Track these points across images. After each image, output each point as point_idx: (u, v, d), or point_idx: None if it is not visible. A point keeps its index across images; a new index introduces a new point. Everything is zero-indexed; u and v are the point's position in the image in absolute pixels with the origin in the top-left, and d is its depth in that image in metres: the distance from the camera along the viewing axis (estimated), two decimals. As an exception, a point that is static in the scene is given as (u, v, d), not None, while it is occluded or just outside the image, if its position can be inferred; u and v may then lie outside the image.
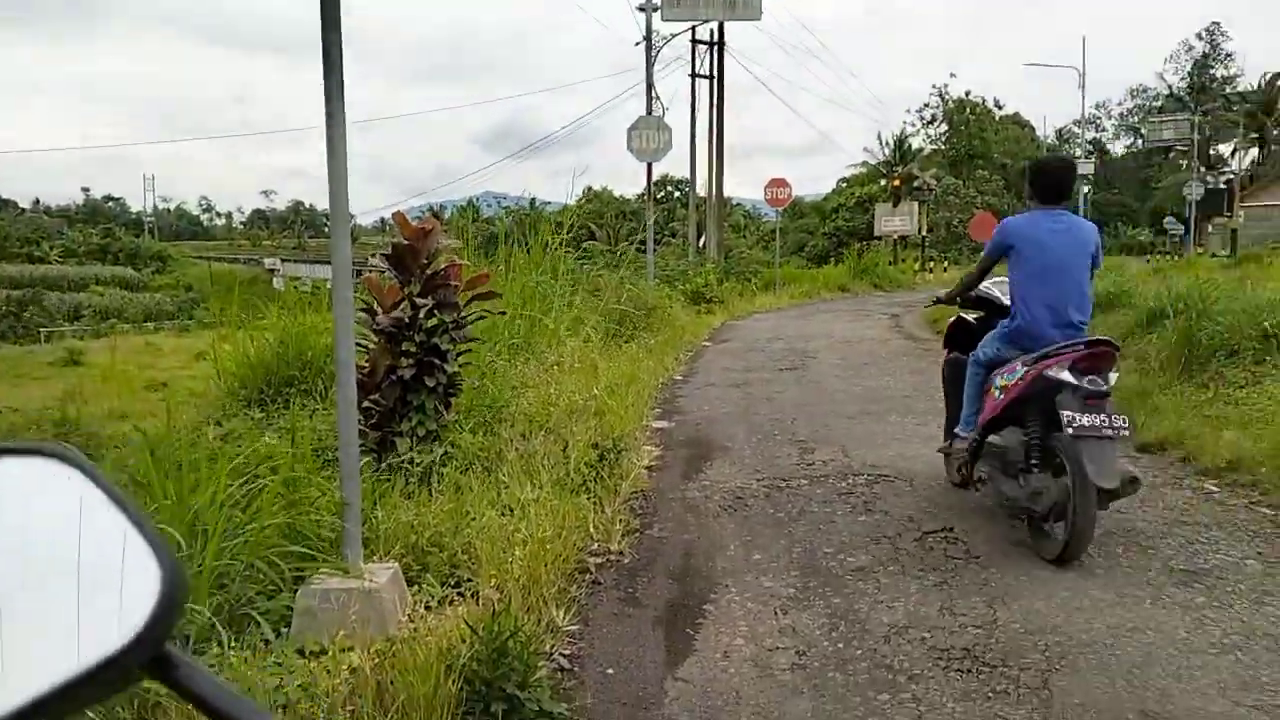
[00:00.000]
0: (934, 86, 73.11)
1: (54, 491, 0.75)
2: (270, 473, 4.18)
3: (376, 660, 3.20)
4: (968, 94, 62.48)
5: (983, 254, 5.56)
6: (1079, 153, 51.58)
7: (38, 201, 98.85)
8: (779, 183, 25.86)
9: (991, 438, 5.12)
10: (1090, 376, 4.58)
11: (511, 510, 4.80)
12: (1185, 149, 58.38)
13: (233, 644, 3.17)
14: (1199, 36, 74.35)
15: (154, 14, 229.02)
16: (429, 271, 5.77)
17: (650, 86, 23.15)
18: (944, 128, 62.56)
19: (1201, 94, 69.19)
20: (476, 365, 6.92)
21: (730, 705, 3.33)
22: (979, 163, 56.20)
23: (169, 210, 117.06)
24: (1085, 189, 44.15)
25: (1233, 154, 67.75)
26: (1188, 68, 74.65)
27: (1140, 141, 75.28)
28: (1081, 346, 4.67)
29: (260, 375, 6.87)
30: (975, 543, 4.91)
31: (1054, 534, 4.61)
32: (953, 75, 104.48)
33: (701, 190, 30.63)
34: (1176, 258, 40.45)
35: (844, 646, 3.76)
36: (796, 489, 6.06)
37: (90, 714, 2.47)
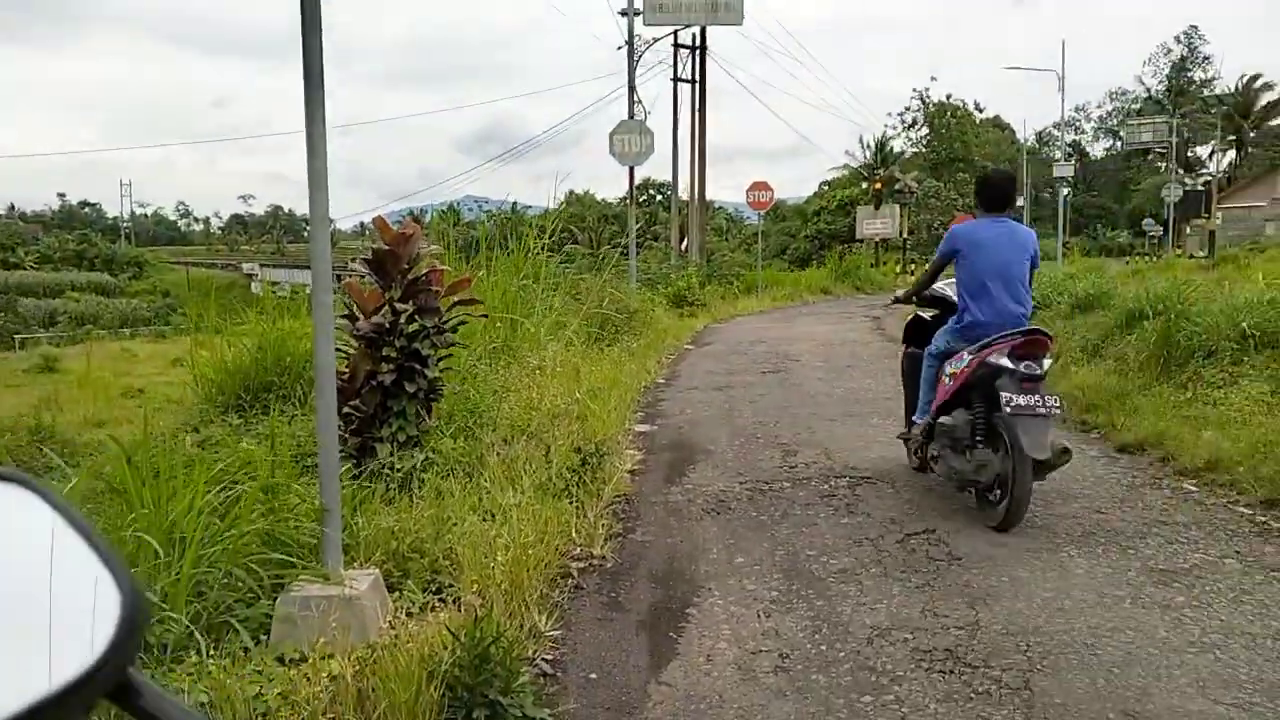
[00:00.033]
0: (915, 90, 73.48)
1: (13, 517, 0.74)
2: (249, 479, 4.14)
3: (357, 667, 3.18)
4: (948, 97, 62.87)
5: (934, 257, 6.13)
6: (1058, 155, 52.01)
7: (13, 207, 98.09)
8: (761, 186, 25.96)
9: (942, 419, 5.61)
10: (1026, 362, 5.16)
11: (493, 515, 4.77)
12: (1164, 151, 58.95)
13: (211, 652, 3.14)
14: (1177, 40, 75.34)
15: (131, 19, 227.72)
16: (410, 276, 5.74)
17: (632, 90, 23.17)
18: (925, 131, 62.87)
19: (1180, 97, 69.97)
20: (458, 370, 6.89)
21: (713, 709, 3.32)
22: (960, 165, 56.45)
23: (146, 215, 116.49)
24: (1065, 191, 44.52)
25: (1210, 156, 68.57)
26: (1166, 71, 75.54)
27: (1119, 144, 75.95)
28: (1018, 336, 5.24)
29: (238, 381, 6.81)
30: (957, 544, 4.93)
31: (998, 504, 5.19)
32: (933, 79, 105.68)
33: (684, 193, 30.67)
34: (1155, 259, 40.82)
35: (827, 649, 3.76)
36: (779, 492, 6.06)
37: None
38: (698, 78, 28.52)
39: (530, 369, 8.31)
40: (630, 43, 23.86)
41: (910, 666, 3.57)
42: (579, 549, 4.93)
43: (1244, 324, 8.22)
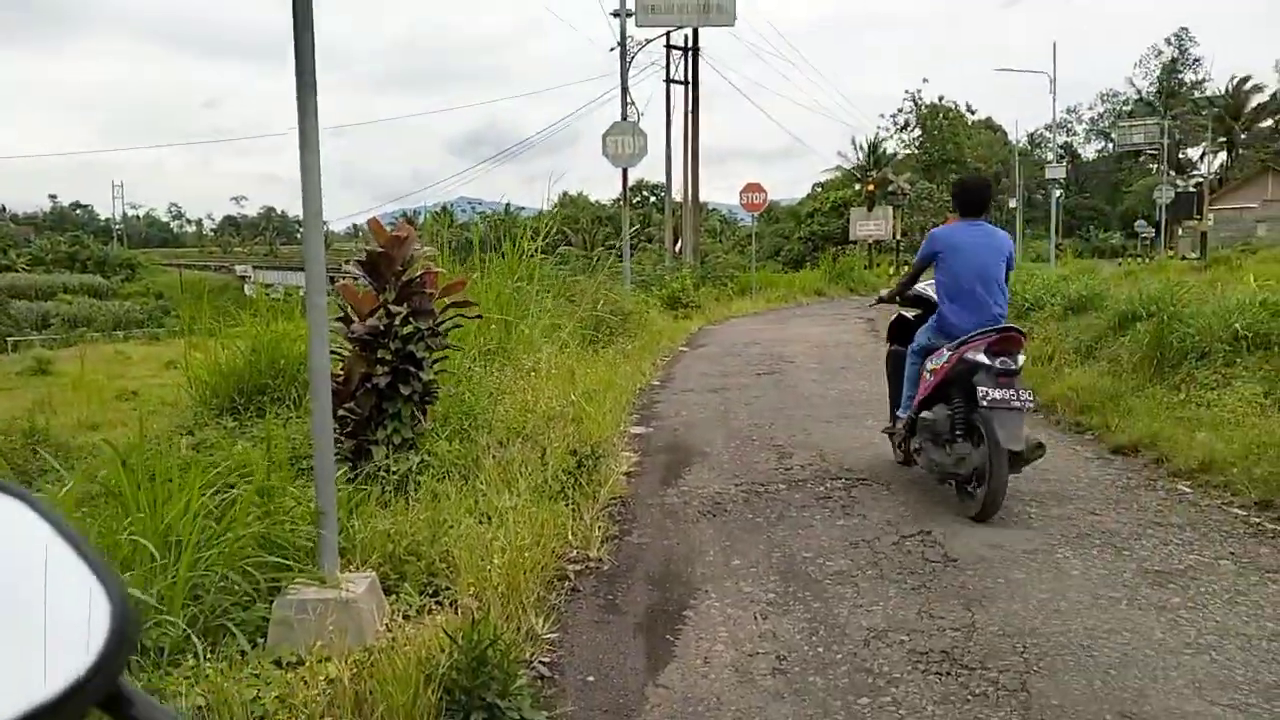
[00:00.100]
0: (907, 91, 73.73)
1: (2, 528, 0.74)
2: (244, 482, 4.13)
3: (354, 670, 3.17)
4: (941, 99, 63.05)
5: (915, 259, 6.38)
6: (1050, 156, 52.14)
7: (4, 209, 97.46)
8: (754, 187, 25.97)
9: (924, 414, 5.80)
10: (1002, 358, 5.38)
11: (489, 518, 4.77)
12: (1155, 153, 59.07)
13: (208, 656, 3.14)
14: (1168, 42, 75.65)
15: (123, 20, 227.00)
16: (404, 278, 5.73)
17: (625, 92, 23.19)
18: (917, 132, 63.02)
19: (1171, 98, 70.16)
20: (453, 372, 6.89)
21: (711, 711, 3.32)
22: (953, 167, 56.55)
23: (138, 217, 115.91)
24: (1057, 193, 44.60)
25: (1202, 158, 68.88)
26: (1157, 73, 75.78)
27: (1111, 145, 76.18)
28: (994, 333, 5.47)
29: (233, 384, 6.79)
30: (953, 546, 4.93)
31: (976, 496, 5.35)
32: (925, 80, 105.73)
33: (677, 195, 30.70)
34: (1147, 261, 40.91)
35: (824, 651, 3.76)
36: (775, 494, 6.06)
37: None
38: (690, 79, 28.53)
39: (525, 371, 8.31)
40: (623, 44, 23.87)
41: (907, 668, 3.58)
42: (575, 551, 4.92)
43: (1236, 325, 8.26)
